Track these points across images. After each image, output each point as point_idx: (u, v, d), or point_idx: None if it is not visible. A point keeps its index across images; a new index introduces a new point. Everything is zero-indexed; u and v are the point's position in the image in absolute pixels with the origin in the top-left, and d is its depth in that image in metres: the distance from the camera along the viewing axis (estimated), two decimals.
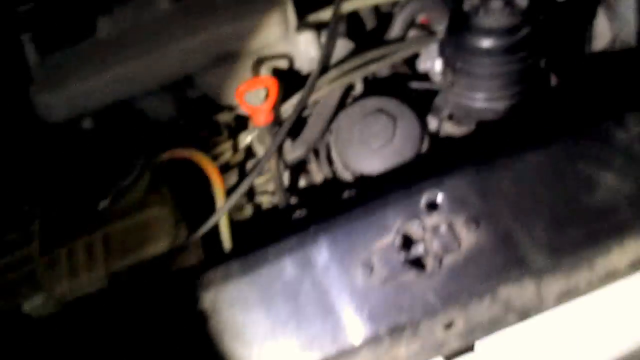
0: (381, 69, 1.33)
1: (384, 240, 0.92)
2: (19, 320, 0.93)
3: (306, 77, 1.21)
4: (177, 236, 0.98)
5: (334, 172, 1.31)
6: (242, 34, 1.13)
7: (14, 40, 1.19)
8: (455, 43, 1.16)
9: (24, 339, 0.92)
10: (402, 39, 1.35)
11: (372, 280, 0.90)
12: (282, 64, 1.25)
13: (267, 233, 1.11)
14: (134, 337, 0.91)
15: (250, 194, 1.24)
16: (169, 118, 1.21)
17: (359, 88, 1.35)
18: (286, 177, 1.32)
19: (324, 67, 1.27)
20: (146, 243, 0.94)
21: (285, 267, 0.94)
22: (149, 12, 1.17)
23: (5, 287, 0.94)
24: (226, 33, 1.12)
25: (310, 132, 1.27)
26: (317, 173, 1.35)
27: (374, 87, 1.35)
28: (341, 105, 1.32)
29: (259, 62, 1.20)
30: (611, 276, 0.89)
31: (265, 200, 1.30)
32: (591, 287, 0.89)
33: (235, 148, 1.22)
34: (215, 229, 1.07)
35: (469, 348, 0.92)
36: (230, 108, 1.25)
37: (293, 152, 1.26)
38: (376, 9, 1.42)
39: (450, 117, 1.28)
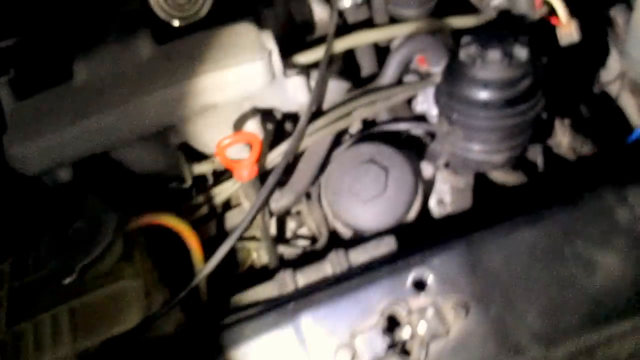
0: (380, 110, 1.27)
1: (367, 322, 0.86)
2: None
3: (297, 120, 1.16)
4: (151, 307, 0.93)
5: (325, 217, 1.25)
6: (225, 85, 1.06)
7: None
8: (451, 93, 1.10)
9: None
10: (399, 80, 1.28)
11: None
12: (270, 110, 1.19)
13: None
14: None
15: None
16: (149, 169, 1.15)
17: (356, 126, 1.29)
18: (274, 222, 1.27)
19: (316, 111, 1.21)
20: (115, 318, 0.89)
21: (262, 346, 0.89)
22: (129, 58, 1.10)
23: None
24: (209, 84, 1.06)
25: (298, 180, 1.22)
26: (308, 216, 1.29)
27: (372, 124, 1.30)
28: (335, 145, 1.27)
29: (244, 111, 1.14)
30: None
31: (253, 248, 1.25)
32: None
33: (214, 200, 1.17)
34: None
35: None
36: (213, 156, 1.19)
37: (280, 200, 1.21)
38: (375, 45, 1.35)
39: (447, 165, 1.21)
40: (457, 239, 0.88)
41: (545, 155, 1.27)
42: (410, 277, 0.87)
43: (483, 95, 1.06)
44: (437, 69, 1.24)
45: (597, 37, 1.43)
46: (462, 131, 1.11)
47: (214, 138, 1.12)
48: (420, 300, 0.86)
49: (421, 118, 1.30)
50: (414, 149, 1.30)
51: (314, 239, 1.27)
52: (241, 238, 1.10)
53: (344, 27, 1.36)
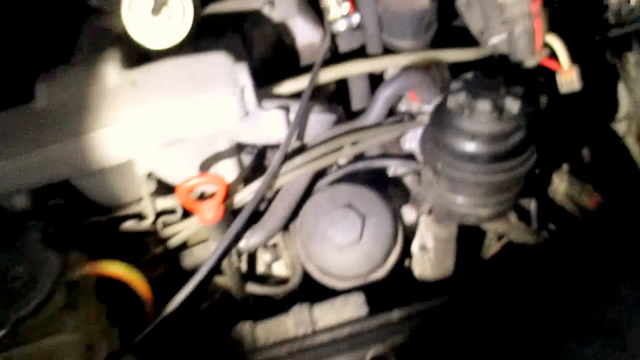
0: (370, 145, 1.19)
1: None
2: None
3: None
4: None
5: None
6: (192, 120, 0.99)
7: None
8: (437, 140, 1.01)
9: None
10: (389, 113, 1.20)
11: None
12: (244, 143, 1.12)
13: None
14: None
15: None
16: (110, 200, 1.09)
17: (344, 158, 1.21)
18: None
19: (300, 147, 1.13)
20: None
21: None
22: (94, 84, 1.03)
23: None
24: (174, 118, 0.98)
25: (271, 219, 1.14)
26: (284, 250, 1.22)
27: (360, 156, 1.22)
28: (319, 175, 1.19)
29: (217, 145, 1.07)
30: None
31: (221, 283, 1.18)
32: None
33: (180, 236, 1.11)
34: None
35: None
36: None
37: (250, 239, 1.14)
38: None
39: (431, 211, 1.13)
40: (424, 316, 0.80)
41: (541, 205, 1.19)
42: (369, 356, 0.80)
43: (470, 147, 0.97)
44: (428, 108, 1.15)
45: (602, 77, 1.34)
46: (447, 182, 1.02)
47: (184, 173, 1.05)
48: None
49: (410, 156, 1.22)
50: (398, 187, 1.23)
51: (285, 280, 1.20)
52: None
53: (335, 54, 1.27)
